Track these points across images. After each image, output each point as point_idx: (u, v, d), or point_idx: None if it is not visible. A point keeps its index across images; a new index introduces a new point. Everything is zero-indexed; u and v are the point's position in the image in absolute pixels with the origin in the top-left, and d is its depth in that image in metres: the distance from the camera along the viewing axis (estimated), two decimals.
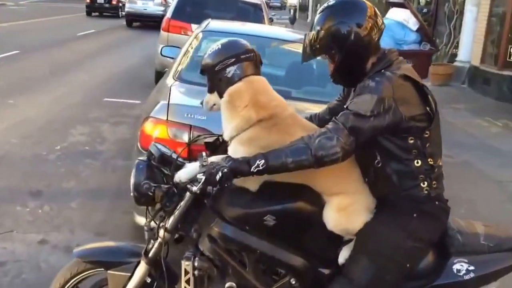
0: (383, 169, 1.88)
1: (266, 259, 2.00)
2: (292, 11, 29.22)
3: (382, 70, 1.84)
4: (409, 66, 1.91)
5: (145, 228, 2.08)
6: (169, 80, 3.52)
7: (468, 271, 1.94)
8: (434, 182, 1.89)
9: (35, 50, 12.12)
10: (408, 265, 1.90)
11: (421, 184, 1.87)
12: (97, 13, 24.23)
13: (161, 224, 2.02)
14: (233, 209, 1.95)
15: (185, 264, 2.01)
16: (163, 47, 5.48)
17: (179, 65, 3.67)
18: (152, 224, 2.06)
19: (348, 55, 1.85)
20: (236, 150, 1.92)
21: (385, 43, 6.35)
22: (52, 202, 4.07)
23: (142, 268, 2.09)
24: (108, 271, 2.16)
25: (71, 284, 2.23)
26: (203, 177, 1.78)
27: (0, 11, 21.13)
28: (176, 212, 1.97)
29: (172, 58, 5.33)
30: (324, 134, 1.76)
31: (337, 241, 1.99)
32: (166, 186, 1.98)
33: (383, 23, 1.92)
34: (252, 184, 1.93)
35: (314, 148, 1.74)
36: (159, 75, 8.63)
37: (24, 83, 8.46)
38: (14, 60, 10.62)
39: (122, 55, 12.83)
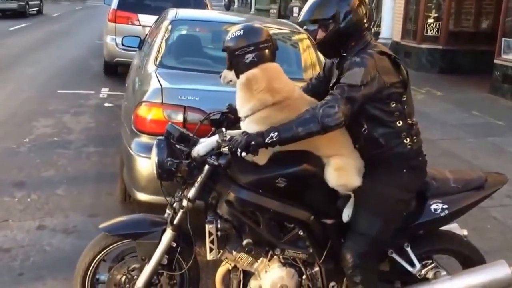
0: (371, 134, 2.21)
1: (277, 216, 2.31)
2: None
3: (362, 49, 2.18)
4: (381, 44, 2.30)
5: (175, 199, 2.33)
6: (151, 67, 3.77)
7: (443, 209, 2.35)
8: (414, 137, 2.26)
9: None
10: (405, 213, 2.32)
11: (405, 141, 2.23)
12: None
13: (183, 195, 2.28)
14: (248, 176, 2.25)
15: (209, 227, 2.28)
16: (124, 37, 5.62)
17: (158, 52, 3.94)
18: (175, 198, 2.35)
19: (342, 29, 2.18)
20: (250, 128, 2.19)
21: None
22: (37, 190, 4.22)
23: (168, 234, 2.34)
24: (136, 241, 2.40)
25: (101, 256, 2.46)
26: (228, 150, 2.10)
27: None
28: (197, 184, 2.23)
29: (134, 47, 5.56)
30: (326, 104, 2.07)
31: (335, 196, 2.34)
32: (187, 161, 2.22)
33: (366, 5, 2.25)
34: (261, 158, 2.20)
35: (320, 116, 2.04)
36: (108, 65, 8.79)
37: None
38: None
39: (61, 47, 12.62)
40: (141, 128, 3.28)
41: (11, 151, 5.10)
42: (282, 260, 2.37)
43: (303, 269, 2.40)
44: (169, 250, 2.38)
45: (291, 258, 2.38)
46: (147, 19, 8.10)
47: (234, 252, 2.31)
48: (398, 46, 11.52)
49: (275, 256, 2.36)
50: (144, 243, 2.39)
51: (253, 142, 2.06)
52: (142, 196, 3.28)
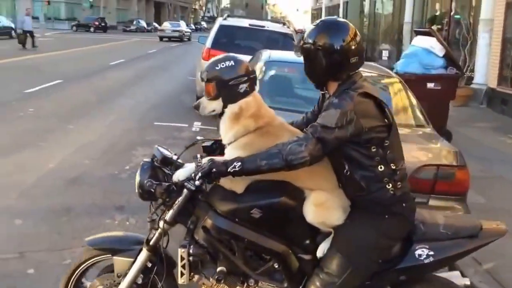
0: (352, 176, 2.16)
1: (252, 246, 2.30)
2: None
3: (346, 89, 2.14)
4: (370, 85, 2.22)
5: (148, 219, 2.36)
6: None
7: (428, 256, 2.21)
8: (398, 183, 2.17)
9: (76, 79, 12.87)
10: (380, 261, 2.21)
11: (387, 186, 2.16)
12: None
13: (161, 217, 2.31)
14: (225, 204, 2.26)
15: (181, 251, 2.30)
16: None
17: None
18: (154, 216, 2.34)
19: (329, 62, 2.14)
20: (232, 154, 2.22)
21: (414, 67, 7.04)
22: (135, 215, 4.55)
23: (143, 254, 2.38)
24: (114, 257, 2.45)
25: (82, 268, 2.56)
26: (198, 175, 2.13)
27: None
28: (175, 206, 2.25)
29: None
30: (295, 142, 2.08)
31: (315, 231, 2.29)
32: (166, 184, 2.25)
33: (359, 44, 2.19)
34: (238, 186, 2.24)
35: (285, 153, 2.05)
36: None
37: (78, 110, 9.12)
38: (60, 89, 11.33)
39: (156, 82, 13.53)
40: None
41: (113, 177, 5.57)
42: None
43: None
44: (144, 270, 2.42)
45: None
46: None
47: (210, 279, 2.33)
48: (493, 93, 11.10)
49: (249, 287, 2.34)
50: (120, 260, 2.45)
51: (214, 170, 2.10)
52: None
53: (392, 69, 7.08)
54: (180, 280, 2.35)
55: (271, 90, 4.48)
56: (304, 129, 2.19)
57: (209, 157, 2.24)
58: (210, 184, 2.24)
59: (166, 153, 2.42)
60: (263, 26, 9.46)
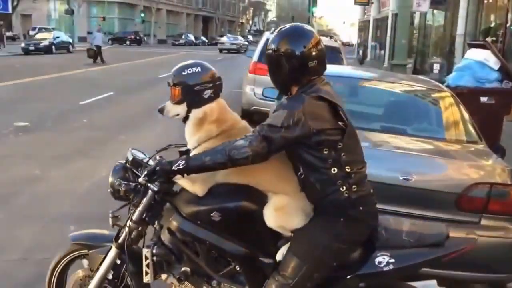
0: (307, 179, 2.17)
1: (214, 249, 2.33)
2: (361, 50, 29.38)
3: (301, 92, 2.16)
4: (329, 89, 2.21)
5: (110, 215, 2.42)
6: None
7: (388, 263, 2.15)
8: (353, 186, 2.15)
9: (126, 91, 13.34)
10: (334, 264, 2.18)
11: (341, 189, 2.13)
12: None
13: (129, 216, 2.40)
14: (187, 206, 2.31)
15: (145, 251, 2.39)
16: (264, 88, 6.07)
17: None
18: (117, 213, 2.43)
19: (290, 68, 2.17)
20: None
21: (467, 81, 6.79)
22: None
23: (112, 251, 2.49)
24: (89, 252, 2.61)
25: (63, 262, 2.72)
26: (143, 174, 2.24)
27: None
28: (140, 206, 2.35)
29: (273, 98, 5.96)
30: (241, 139, 2.11)
31: (277, 235, 2.28)
32: (133, 184, 2.35)
33: (320, 51, 2.20)
34: (199, 189, 2.29)
35: (228, 148, 2.09)
36: (245, 112, 9.44)
37: (128, 121, 9.42)
38: (111, 101, 11.76)
39: None
40: None
41: None
42: None
43: None
44: (114, 266, 2.52)
45: None
46: None
47: (175, 279, 2.39)
48: None
49: None
50: (93, 255, 2.60)
51: (158, 168, 2.18)
52: None
53: (443, 82, 6.90)
54: (145, 279, 2.42)
55: None
56: (252, 129, 2.20)
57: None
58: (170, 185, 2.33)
59: (139, 155, 2.53)
60: None
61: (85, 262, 2.67)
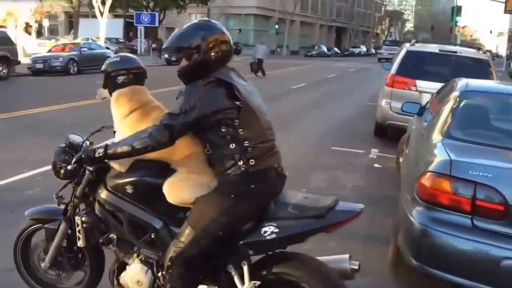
0: (212, 155, 2.43)
1: (133, 218, 2.64)
2: (511, 62, 26.96)
3: (200, 80, 2.36)
4: (229, 72, 2.44)
5: (54, 196, 2.87)
6: (437, 137, 3.76)
7: (272, 233, 2.35)
8: (251, 160, 2.36)
9: None
10: (220, 233, 2.41)
11: (238, 163, 2.35)
12: None
13: (73, 193, 2.81)
14: (111, 180, 2.68)
15: (77, 219, 2.82)
16: (404, 103, 5.75)
17: (445, 123, 3.92)
18: (60, 193, 2.87)
19: (203, 61, 2.41)
20: (119, 135, 2.66)
21: None
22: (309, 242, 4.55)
23: (62, 224, 2.92)
24: (45, 225, 3.00)
25: (23, 237, 3.10)
26: (73, 160, 2.67)
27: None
28: (81, 185, 2.76)
29: (413, 113, 5.65)
30: (145, 130, 2.42)
31: (185, 207, 2.49)
32: (71, 165, 2.68)
33: (227, 47, 2.46)
34: (121, 166, 2.63)
35: (132, 140, 2.43)
36: (379, 126, 9.12)
37: None
38: None
39: (335, 107, 13.65)
40: (424, 197, 3.27)
41: None
42: (143, 258, 2.69)
43: (155, 268, 2.65)
44: (68, 236, 2.93)
45: (147, 257, 2.67)
46: (425, 85, 8.18)
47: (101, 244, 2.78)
48: None
49: (135, 253, 2.70)
50: (48, 228, 3.00)
51: (83, 155, 2.62)
52: (416, 264, 3.26)
53: None
54: (79, 243, 2.85)
55: (466, 123, 4.11)
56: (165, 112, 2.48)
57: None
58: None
59: (76, 139, 2.90)
60: (455, 52, 8.83)
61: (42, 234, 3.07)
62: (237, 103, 2.35)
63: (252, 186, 2.37)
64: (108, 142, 2.67)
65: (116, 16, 43.69)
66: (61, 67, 19.85)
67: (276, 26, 54.59)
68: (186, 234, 2.44)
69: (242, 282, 2.47)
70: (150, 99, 2.79)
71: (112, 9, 36.62)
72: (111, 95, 2.80)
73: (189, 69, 2.45)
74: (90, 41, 28.75)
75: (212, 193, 2.42)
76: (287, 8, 55.46)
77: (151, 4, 44.13)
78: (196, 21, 2.57)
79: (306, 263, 2.48)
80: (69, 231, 2.93)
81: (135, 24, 33.43)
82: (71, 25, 48.19)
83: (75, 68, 20.51)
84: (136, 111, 2.69)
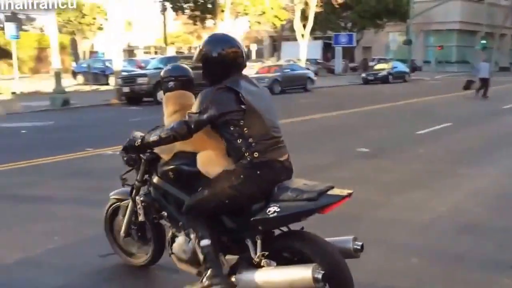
0: (227, 147, 3.02)
1: (176, 198, 3.31)
2: None
3: (216, 86, 2.94)
4: (238, 80, 2.98)
5: (120, 178, 3.73)
6: None
7: (274, 212, 2.81)
8: (255, 153, 2.90)
9: (465, 123, 12.83)
10: (227, 201, 2.98)
11: (245, 154, 2.91)
12: None
13: (136, 178, 3.62)
14: (159, 167, 3.40)
15: (137, 199, 3.58)
16: None
17: None
18: (124, 176, 3.79)
19: (209, 69, 3.05)
20: None
21: None
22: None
23: (130, 203, 3.71)
24: (121, 203, 3.89)
25: (109, 212, 4.01)
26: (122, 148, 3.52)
27: (422, 85, 23.23)
28: (140, 171, 3.57)
29: None
30: (169, 125, 3.09)
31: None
32: (132, 155, 3.50)
33: (234, 56, 3.02)
34: (164, 155, 3.35)
35: (160, 132, 3.11)
36: None
37: (467, 154, 8.99)
38: (448, 132, 11.45)
39: None
40: None
41: (506, 229, 5.10)
42: (185, 231, 3.21)
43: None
44: (134, 213, 3.70)
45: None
46: None
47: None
48: None
49: (181, 227, 3.29)
50: (122, 206, 3.87)
51: (126, 144, 3.40)
52: None
53: None
54: (139, 218, 3.61)
55: None
56: None
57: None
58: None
59: (135, 135, 3.45)
60: None
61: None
62: (242, 106, 2.87)
63: (258, 172, 2.92)
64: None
65: (315, 38, 45.42)
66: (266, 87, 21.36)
67: (483, 41, 50.25)
68: (200, 192, 3.08)
69: (256, 252, 2.95)
70: (192, 103, 3.16)
71: (311, 31, 38.24)
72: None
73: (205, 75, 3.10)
74: (291, 62, 30.46)
75: (228, 171, 2.99)
76: (496, 21, 50.68)
77: (349, 25, 44.78)
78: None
79: (313, 240, 2.91)
80: (135, 209, 3.63)
81: (333, 45, 34.37)
82: (275, 48, 51.81)
83: (279, 88, 21.86)
84: (178, 112, 3.24)
